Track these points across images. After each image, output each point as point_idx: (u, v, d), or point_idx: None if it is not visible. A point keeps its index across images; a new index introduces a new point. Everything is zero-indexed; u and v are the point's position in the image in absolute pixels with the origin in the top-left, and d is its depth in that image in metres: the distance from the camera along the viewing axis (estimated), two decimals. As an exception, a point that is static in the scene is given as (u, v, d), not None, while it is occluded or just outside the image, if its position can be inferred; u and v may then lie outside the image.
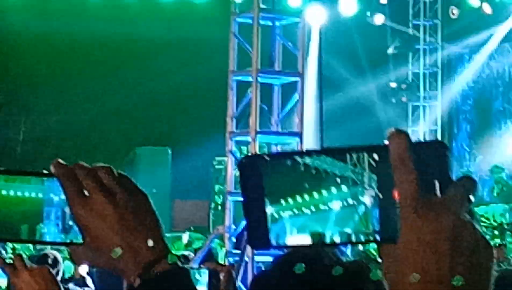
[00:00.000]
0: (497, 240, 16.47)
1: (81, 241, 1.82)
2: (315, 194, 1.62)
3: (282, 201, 1.64)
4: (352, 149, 1.58)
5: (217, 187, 20.36)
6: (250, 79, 12.61)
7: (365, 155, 1.58)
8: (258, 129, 12.51)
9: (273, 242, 1.62)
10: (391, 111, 22.34)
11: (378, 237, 1.56)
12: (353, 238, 1.61)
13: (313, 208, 1.68)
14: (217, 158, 20.52)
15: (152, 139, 22.62)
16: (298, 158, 1.61)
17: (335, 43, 18.44)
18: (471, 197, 1.52)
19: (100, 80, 21.71)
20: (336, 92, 19.11)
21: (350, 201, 1.62)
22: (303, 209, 1.65)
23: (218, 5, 18.87)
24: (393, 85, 22.27)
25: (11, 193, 1.97)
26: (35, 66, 21.68)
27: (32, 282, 3.82)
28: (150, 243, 1.82)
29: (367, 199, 1.61)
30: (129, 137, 22.68)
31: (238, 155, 12.71)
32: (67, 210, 1.87)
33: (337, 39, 19.00)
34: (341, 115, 18.95)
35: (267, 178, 1.63)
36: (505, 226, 17.00)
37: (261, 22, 12.58)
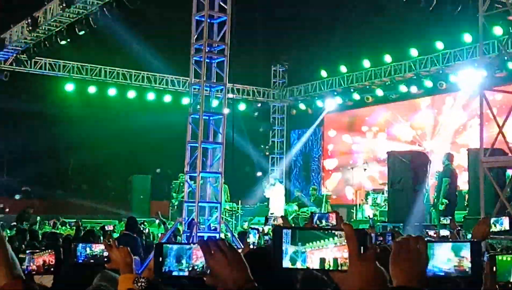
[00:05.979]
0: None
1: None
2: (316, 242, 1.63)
3: (299, 244, 1.61)
4: (330, 229, 1.63)
5: (174, 195, 19.71)
6: (197, 145, 12.74)
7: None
8: (200, 170, 12.69)
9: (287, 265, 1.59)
10: (262, 160, 23.49)
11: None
12: (331, 268, 1.60)
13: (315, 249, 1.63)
14: (174, 181, 20.73)
15: (142, 169, 22.25)
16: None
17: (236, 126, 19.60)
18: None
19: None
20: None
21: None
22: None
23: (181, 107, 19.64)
24: (262, 146, 23.57)
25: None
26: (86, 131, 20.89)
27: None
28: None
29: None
30: (128, 168, 22.30)
31: (191, 184, 12.72)
32: None
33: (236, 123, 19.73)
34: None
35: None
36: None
37: (204, 117, 12.78)
